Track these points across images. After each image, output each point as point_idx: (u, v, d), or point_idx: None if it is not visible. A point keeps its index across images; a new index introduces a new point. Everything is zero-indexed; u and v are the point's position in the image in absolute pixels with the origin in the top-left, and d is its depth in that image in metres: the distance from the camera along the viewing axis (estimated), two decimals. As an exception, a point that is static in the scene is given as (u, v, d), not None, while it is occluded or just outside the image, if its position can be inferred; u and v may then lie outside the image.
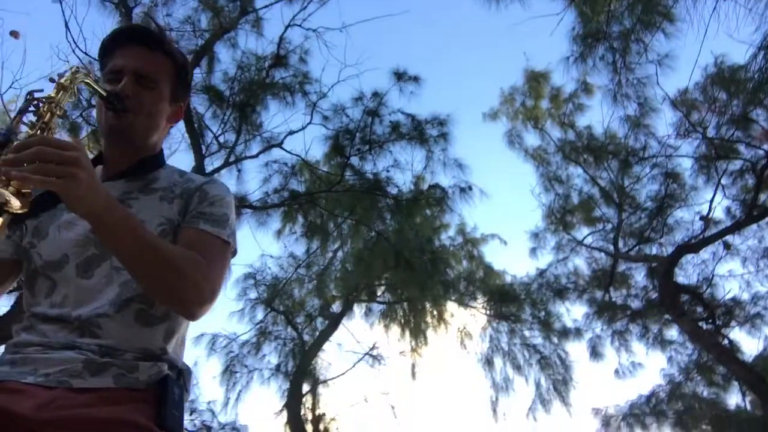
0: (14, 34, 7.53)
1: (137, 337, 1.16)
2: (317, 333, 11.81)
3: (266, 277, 11.01)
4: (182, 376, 1.23)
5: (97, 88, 1.18)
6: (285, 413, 10.52)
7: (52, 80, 1.05)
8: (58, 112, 1.03)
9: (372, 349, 11.79)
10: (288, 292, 11.26)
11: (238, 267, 10.33)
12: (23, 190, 0.89)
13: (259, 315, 11.36)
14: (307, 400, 11.12)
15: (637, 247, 11.03)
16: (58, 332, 1.15)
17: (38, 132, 0.99)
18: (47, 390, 1.06)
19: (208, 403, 9.59)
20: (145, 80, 1.28)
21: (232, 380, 10.52)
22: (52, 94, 1.04)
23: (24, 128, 1.01)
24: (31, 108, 1.02)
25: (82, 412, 1.04)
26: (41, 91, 1.04)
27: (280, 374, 11.02)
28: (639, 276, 11.36)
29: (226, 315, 10.76)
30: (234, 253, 1.33)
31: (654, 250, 11.02)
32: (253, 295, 11.18)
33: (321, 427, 10.79)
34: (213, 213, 1.27)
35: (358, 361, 11.65)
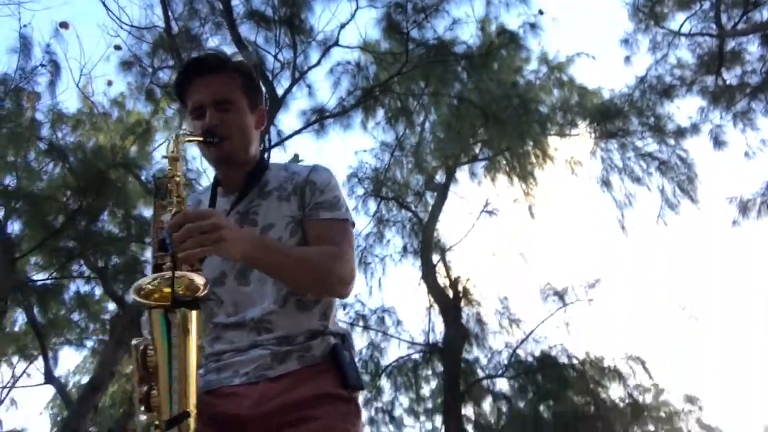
0: (64, 25, 7.78)
1: (301, 322, 1.37)
2: (430, 207, 12.20)
3: (367, 172, 11.33)
4: (345, 339, 1.44)
5: (194, 138, 1.33)
6: (424, 285, 11.31)
7: (164, 157, 1.22)
8: (182, 182, 1.18)
9: (486, 205, 12.02)
10: (391, 178, 11.56)
11: (340, 171, 10.70)
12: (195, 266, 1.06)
13: (372, 207, 11.92)
14: (440, 268, 11.76)
15: (744, 17, 9.82)
16: (241, 336, 1.37)
17: (176, 206, 1.15)
18: (253, 386, 1.31)
19: (356, 296, 10.53)
20: (223, 105, 1.40)
21: (369, 270, 11.34)
22: (170, 170, 1.19)
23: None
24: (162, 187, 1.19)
25: (287, 397, 1.28)
26: (162, 170, 1.21)
27: (408, 253, 11.70)
28: (752, 48, 10.21)
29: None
30: (353, 224, 1.50)
31: (765, 15, 9.77)
32: (360, 191, 11.67)
33: (459, 288, 11.45)
34: (327, 200, 1.44)
35: (476, 220, 11.97)
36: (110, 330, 7.35)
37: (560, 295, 11.36)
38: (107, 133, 10.29)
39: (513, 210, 12.31)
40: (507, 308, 11.78)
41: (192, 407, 1.04)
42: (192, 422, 1.04)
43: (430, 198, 12.17)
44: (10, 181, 7.50)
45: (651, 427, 13.16)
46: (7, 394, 11.73)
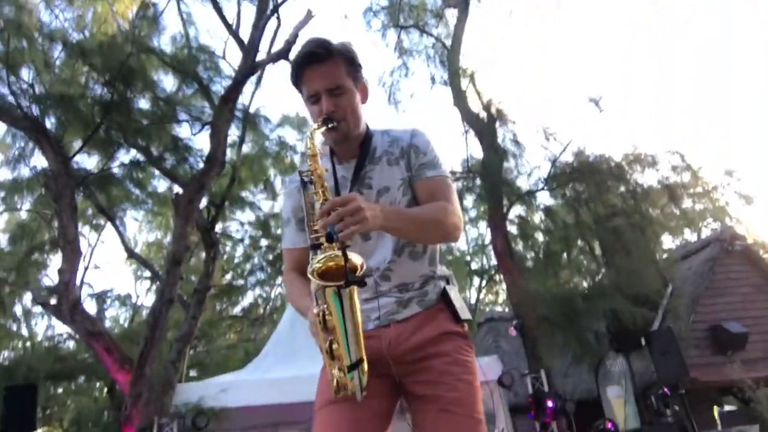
0: None
1: (415, 269, 1.66)
2: (452, 28, 11.67)
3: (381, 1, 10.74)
4: (449, 280, 1.74)
5: (320, 132, 1.55)
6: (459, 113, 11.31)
7: (303, 154, 1.45)
8: (321, 173, 1.41)
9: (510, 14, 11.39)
10: (407, 3, 10.95)
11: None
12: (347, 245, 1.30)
13: (392, 38, 11.50)
14: (471, 93, 11.58)
15: None
16: (367, 293, 1.64)
17: (321, 195, 1.38)
18: (385, 328, 1.61)
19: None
20: (335, 90, 1.60)
21: (399, 108, 11.32)
22: (309, 165, 1.42)
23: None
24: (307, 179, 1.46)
25: (418, 337, 1.59)
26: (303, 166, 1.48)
27: (437, 83, 11.51)
28: None
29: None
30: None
31: None
32: (377, 25, 11.20)
33: (493, 110, 11.38)
34: (429, 160, 1.68)
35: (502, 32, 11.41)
36: (174, 208, 7.88)
37: (595, 102, 11.21)
38: (104, 1, 9.95)
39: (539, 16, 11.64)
40: (542, 123, 11.79)
41: (363, 354, 1.38)
42: (365, 365, 1.40)
43: (451, 17, 11.58)
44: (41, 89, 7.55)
45: (689, 204, 13.69)
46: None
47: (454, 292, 1.69)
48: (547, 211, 11.04)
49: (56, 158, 7.31)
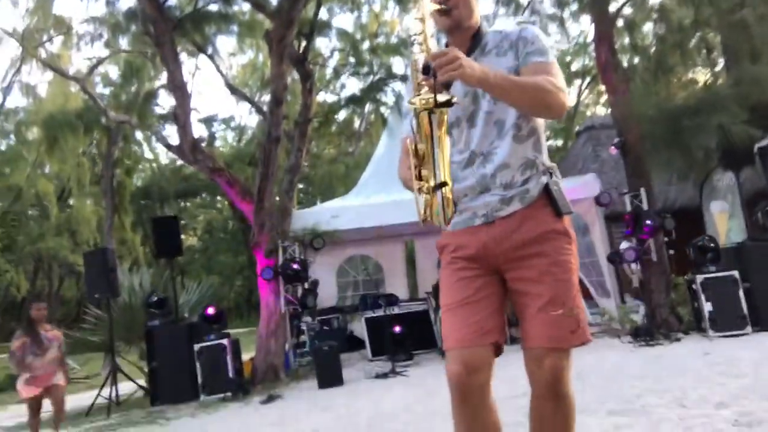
0: None
1: (517, 152, 1.75)
2: None
3: None
4: (552, 174, 1.80)
5: (432, 4, 1.61)
6: None
7: (416, 19, 1.53)
8: (430, 34, 1.52)
9: None
10: None
11: None
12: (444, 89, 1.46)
13: None
14: None
15: None
16: (471, 171, 1.77)
17: (426, 51, 1.50)
18: (490, 225, 1.74)
19: None
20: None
21: None
22: (419, 29, 1.53)
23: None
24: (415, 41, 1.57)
25: (520, 235, 1.71)
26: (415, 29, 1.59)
27: None
28: None
29: None
30: None
31: None
32: None
33: None
34: (537, 48, 1.74)
35: None
36: (268, 46, 7.92)
37: None
38: None
39: None
40: None
41: (448, 179, 1.51)
42: (448, 190, 1.53)
43: None
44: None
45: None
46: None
47: (556, 187, 1.77)
48: (661, 9, 9.87)
49: (150, 4, 7.40)
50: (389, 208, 8.84)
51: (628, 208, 8.15)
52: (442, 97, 1.41)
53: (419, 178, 1.53)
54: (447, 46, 1.80)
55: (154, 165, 25.37)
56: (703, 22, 9.44)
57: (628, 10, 9.72)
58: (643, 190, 8.01)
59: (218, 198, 27.47)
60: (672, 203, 11.82)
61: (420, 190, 1.53)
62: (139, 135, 20.12)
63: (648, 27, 10.06)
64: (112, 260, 8.26)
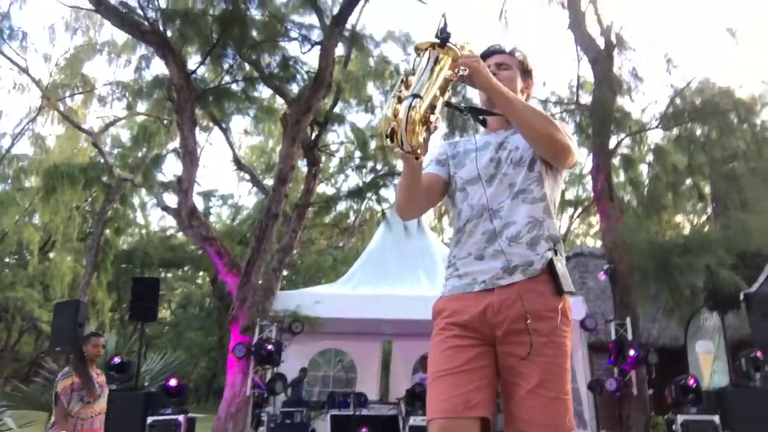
0: None
1: (526, 211, 1.76)
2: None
3: None
4: (558, 250, 1.77)
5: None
6: (573, 38, 10.59)
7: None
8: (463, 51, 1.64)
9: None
10: None
11: None
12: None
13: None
14: (590, 14, 10.78)
15: None
16: (477, 227, 1.78)
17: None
18: (489, 292, 1.70)
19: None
20: (503, 65, 1.94)
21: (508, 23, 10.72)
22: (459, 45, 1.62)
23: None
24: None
25: (519, 308, 1.65)
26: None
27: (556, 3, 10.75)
28: None
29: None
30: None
31: None
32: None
33: (612, 36, 10.58)
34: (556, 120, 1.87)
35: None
36: (282, 127, 8.22)
37: (731, 32, 10.13)
38: None
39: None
40: (665, 52, 10.87)
41: (425, 97, 1.43)
42: (420, 108, 1.40)
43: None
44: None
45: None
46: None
47: (560, 264, 1.74)
48: (658, 151, 10.44)
49: (179, 74, 7.76)
50: (373, 301, 8.75)
51: (613, 337, 8.10)
52: (442, 38, 1.50)
53: (399, 99, 1.45)
54: (484, 125, 1.93)
55: (143, 231, 25.27)
56: (696, 169, 9.96)
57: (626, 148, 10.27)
58: (629, 320, 8.00)
59: (200, 273, 27.09)
60: (655, 340, 11.74)
61: (394, 98, 1.45)
62: (135, 200, 20.23)
63: (644, 165, 10.55)
64: (83, 315, 7.88)
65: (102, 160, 12.21)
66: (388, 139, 1.44)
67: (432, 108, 1.46)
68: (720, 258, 7.79)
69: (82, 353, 4.33)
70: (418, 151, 1.46)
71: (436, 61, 1.51)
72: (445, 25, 1.52)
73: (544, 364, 1.64)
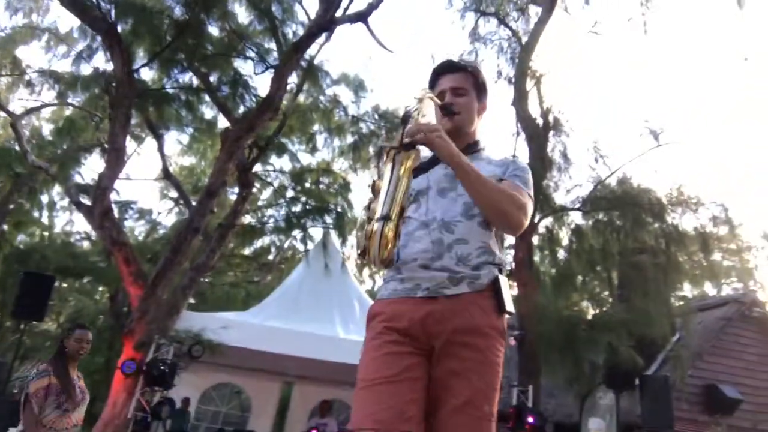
0: None
1: (479, 234, 1.73)
2: (532, 25, 11.51)
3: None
4: (502, 269, 1.77)
5: (435, 100, 1.82)
6: (515, 113, 11.20)
7: (415, 98, 1.74)
8: (423, 113, 1.70)
9: (594, 25, 11.23)
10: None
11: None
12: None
13: (470, 22, 11.39)
14: (533, 95, 11.48)
15: None
16: (425, 235, 1.72)
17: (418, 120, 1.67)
18: (433, 300, 1.64)
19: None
20: (458, 91, 1.91)
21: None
22: (416, 107, 1.71)
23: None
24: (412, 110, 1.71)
25: (461, 321, 1.61)
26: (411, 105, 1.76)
27: (502, 78, 11.39)
28: None
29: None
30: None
31: None
32: (459, 4, 11.04)
33: (550, 118, 11.28)
34: (522, 177, 1.83)
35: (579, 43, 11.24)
36: (221, 142, 8.02)
37: (654, 135, 11.02)
38: None
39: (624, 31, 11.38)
40: (596, 143, 11.67)
41: (394, 216, 1.48)
42: (391, 227, 1.47)
43: (534, 14, 11.41)
44: None
45: (718, 257, 13.42)
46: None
47: (504, 284, 1.72)
48: (577, 231, 11.00)
49: (123, 68, 7.47)
50: (281, 335, 8.42)
51: (514, 402, 8.19)
52: (407, 141, 1.56)
53: (368, 209, 1.55)
54: None
55: (45, 233, 23.50)
56: (608, 254, 10.53)
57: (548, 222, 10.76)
58: (531, 388, 8.14)
59: (100, 288, 25.32)
60: (550, 414, 11.98)
61: (365, 220, 1.52)
62: (44, 198, 18.89)
63: (564, 241, 11.05)
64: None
65: (18, 147, 11.37)
66: (361, 256, 1.51)
67: (402, 211, 1.51)
68: (621, 338, 8.17)
69: (63, 349, 3.55)
70: (389, 262, 1.52)
71: (401, 164, 1.55)
72: (405, 128, 1.59)
73: (477, 381, 1.58)
